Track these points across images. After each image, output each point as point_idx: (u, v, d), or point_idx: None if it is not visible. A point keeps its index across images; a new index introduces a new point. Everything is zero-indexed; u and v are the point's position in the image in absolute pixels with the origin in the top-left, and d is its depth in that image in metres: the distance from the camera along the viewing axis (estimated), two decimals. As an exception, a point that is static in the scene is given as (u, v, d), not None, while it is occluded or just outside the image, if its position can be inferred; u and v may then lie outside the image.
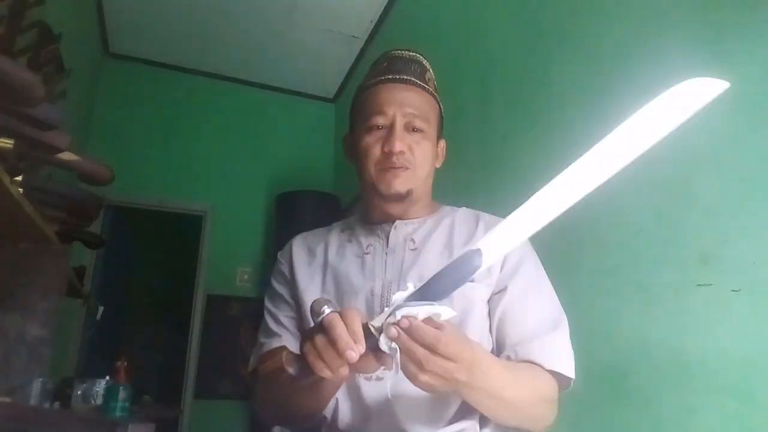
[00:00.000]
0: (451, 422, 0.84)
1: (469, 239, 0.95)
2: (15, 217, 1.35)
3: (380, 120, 0.94)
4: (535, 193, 0.66)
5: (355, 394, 0.86)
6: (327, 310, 0.64)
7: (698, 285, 1.20)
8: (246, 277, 4.11)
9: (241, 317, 3.94)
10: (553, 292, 0.94)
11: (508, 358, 0.86)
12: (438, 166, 1.03)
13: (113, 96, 4.06)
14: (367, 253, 0.97)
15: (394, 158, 0.91)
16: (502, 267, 0.93)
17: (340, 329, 0.62)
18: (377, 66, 1.01)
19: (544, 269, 0.97)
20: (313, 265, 1.00)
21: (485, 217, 1.01)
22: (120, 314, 4.82)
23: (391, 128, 0.93)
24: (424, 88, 0.97)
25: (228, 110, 4.39)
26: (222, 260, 4.07)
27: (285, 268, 1.03)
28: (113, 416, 1.84)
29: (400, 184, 0.92)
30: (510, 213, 1.01)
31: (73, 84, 2.44)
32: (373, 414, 0.84)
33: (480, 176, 2.20)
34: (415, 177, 0.94)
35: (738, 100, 1.18)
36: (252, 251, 4.17)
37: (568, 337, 0.89)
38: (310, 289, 0.96)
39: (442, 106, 1.03)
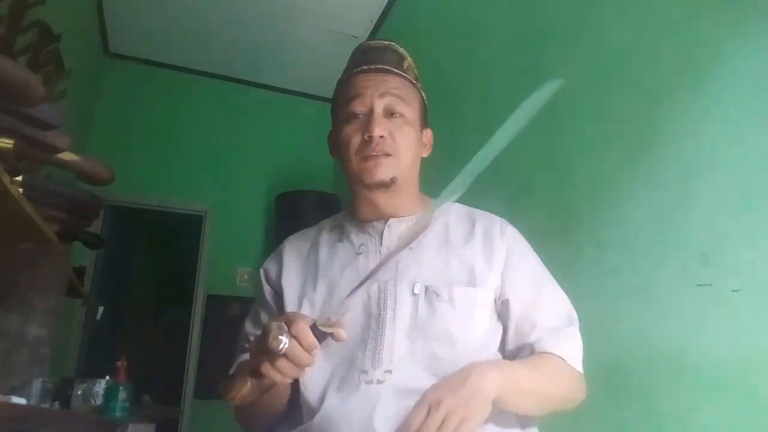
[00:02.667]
0: None
1: (466, 239, 0.94)
2: (15, 217, 1.35)
3: (358, 107, 0.91)
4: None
5: (353, 395, 0.83)
6: (284, 340, 0.69)
7: (698, 285, 1.20)
8: (246, 277, 4.10)
9: (241, 317, 3.92)
10: (558, 286, 0.96)
11: (532, 351, 0.88)
12: (425, 155, 1.00)
13: (113, 96, 4.06)
14: (360, 254, 0.94)
15: (374, 144, 0.88)
16: (504, 268, 0.91)
17: (301, 355, 0.70)
18: (352, 59, 0.99)
19: (545, 269, 0.97)
20: (306, 271, 0.97)
21: (481, 216, 0.99)
22: (120, 314, 4.81)
23: (370, 114, 0.90)
24: (401, 75, 0.94)
25: (228, 110, 4.38)
26: (222, 260, 4.07)
27: (273, 281, 1.00)
28: (113, 416, 1.84)
29: (382, 171, 0.89)
30: (509, 214, 1.01)
31: (73, 84, 2.43)
32: (375, 417, 0.80)
33: (480, 176, 2.20)
34: (399, 164, 0.91)
35: (737, 100, 1.19)
36: (252, 251, 4.16)
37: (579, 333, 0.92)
38: (304, 298, 0.93)
39: (424, 96, 1.00)
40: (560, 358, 0.87)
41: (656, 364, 1.28)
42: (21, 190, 1.27)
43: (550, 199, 1.74)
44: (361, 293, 0.89)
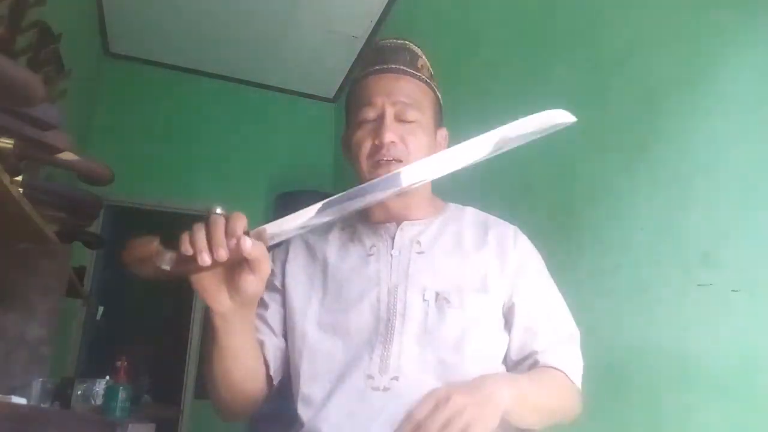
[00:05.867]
0: None
1: (479, 246, 0.92)
2: (15, 217, 1.35)
3: (369, 112, 0.91)
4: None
5: (358, 400, 0.81)
6: (218, 210, 0.72)
7: (698, 285, 1.20)
8: (246, 277, 4.10)
9: (241, 317, 3.93)
10: (564, 302, 0.95)
11: (536, 363, 0.88)
12: None
13: (113, 96, 4.06)
14: (371, 255, 0.92)
15: (385, 150, 0.88)
16: (513, 277, 0.91)
17: (219, 232, 0.69)
18: (366, 58, 0.99)
19: (553, 283, 0.97)
20: (313, 267, 0.96)
21: (495, 223, 0.97)
22: (120, 314, 4.81)
23: (380, 119, 0.90)
24: (415, 76, 0.93)
25: (228, 110, 4.38)
26: (222, 260, 4.06)
27: (277, 270, 0.98)
28: (113, 416, 1.84)
29: None
30: (509, 214, 1.01)
31: (73, 84, 2.43)
32: (378, 424, 0.78)
33: (480, 176, 2.20)
34: None
35: (737, 101, 1.19)
36: (252, 251, 4.16)
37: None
38: (311, 295, 0.92)
39: (439, 94, 0.99)
40: (563, 373, 0.87)
41: (656, 364, 1.28)
42: (21, 190, 1.27)
43: (550, 199, 1.74)
44: (369, 297, 0.88)
